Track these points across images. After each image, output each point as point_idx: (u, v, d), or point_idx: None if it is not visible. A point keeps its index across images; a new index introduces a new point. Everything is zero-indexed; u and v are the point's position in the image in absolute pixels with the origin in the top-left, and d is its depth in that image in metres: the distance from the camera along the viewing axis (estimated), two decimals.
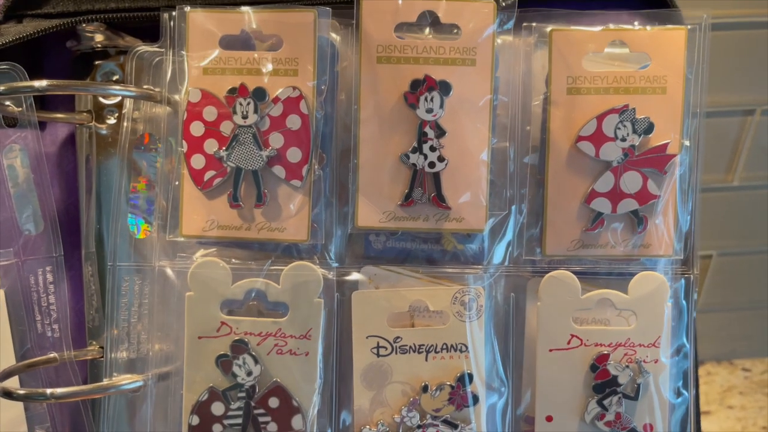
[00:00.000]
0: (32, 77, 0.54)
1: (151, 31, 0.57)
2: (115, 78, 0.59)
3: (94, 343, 0.60)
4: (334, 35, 0.56)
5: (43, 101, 0.60)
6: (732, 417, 1.02)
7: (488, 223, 0.56)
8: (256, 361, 0.54)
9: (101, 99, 0.59)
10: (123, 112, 0.57)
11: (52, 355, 0.58)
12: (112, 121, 0.59)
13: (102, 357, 0.59)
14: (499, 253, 0.57)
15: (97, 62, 0.58)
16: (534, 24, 0.55)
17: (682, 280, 0.57)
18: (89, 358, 0.60)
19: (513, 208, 0.56)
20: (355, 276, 0.57)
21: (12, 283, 0.58)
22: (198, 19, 0.55)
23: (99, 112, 0.60)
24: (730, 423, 1.01)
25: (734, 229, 1.03)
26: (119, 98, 0.59)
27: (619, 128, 0.54)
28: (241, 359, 0.54)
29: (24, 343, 0.58)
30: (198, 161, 0.55)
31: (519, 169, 0.56)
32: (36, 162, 0.58)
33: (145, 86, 0.57)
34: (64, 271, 0.59)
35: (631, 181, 0.55)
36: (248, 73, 0.55)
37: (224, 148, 0.54)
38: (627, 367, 0.55)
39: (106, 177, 0.59)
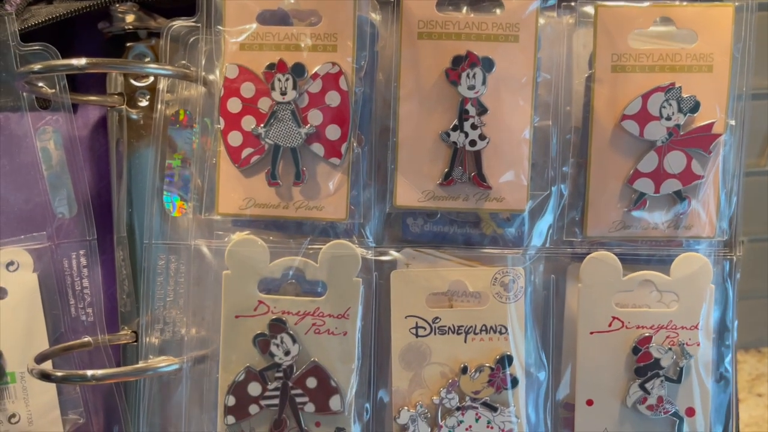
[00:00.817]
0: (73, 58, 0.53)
1: (183, 13, 0.56)
2: (146, 60, 0.59)
3: (126, 328, 0.59)
4: (373, 15, 0.54)
5: (75, 84, 0.60)
6: (761, 405, 1.01)
7: (528, 203, 0.55)
8: (294, 341, 0.53)
9: (133, 81, 0.59)
10: (158, 88, 0.57)
11: (86, 339, 0.58)
12: (143, 103, 0.59)
13: (135, 342, 0.59)
14: (539, 234, 0.56)
15: (128, 44, 0.58)
16: (573, 2, 0.54)
17: (726, 263, 0.56)
18: (123, 342, 0.59)
19: (554, 188, 0.55)
20: (393, 256, 0.56)
21: (46, 267, 0.58)
22: None
23: (130, 95, 0.59)
24: (760, 411, 1.00)
25: (765, 214, 1.01)
26: (151, 81, 0.59)
27: (664, 107, 0.53)
28: (278, 338, 0.53)
29: (58, 327, 0.58)
30: (235, 138, 0.54)
31: (561, 148, 0.55)
32: (69, 144, 0.58)
33: (178, 63, 0.56)
34: (98, 255, 0.59)
35: (675, 161, 0.54)
36: (286, 49, 0.54)
37: (262, 125, 0.53)
38: (670, 349, 0.54)
39: (137, 161, 0.59)
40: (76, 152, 0.58)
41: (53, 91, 0.56)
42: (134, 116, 0.59)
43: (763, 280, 1.06)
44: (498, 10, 0.53)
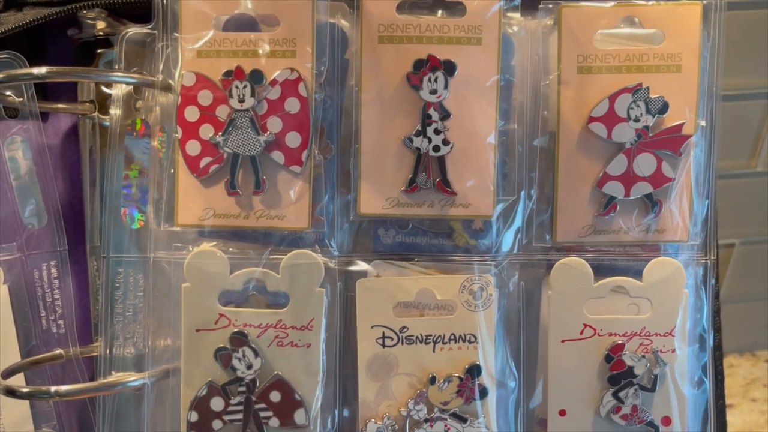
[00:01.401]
0: (34, 67, 0.52)
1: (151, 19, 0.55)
2: (118, 67, 0.57)
3: (100, 339, 0.58)
4: (343, 21, 0.53)
5: (45, 92, 0.59)
6: (756, 410, 0.99)
7: (496, 209, 0.53)
8: (257, 354, 0.52)
9: (104, 89, 0.58)
10: (113, 97, 0.55)
11: (57, 351, 0.57)
12: (115, 110, 0.58)
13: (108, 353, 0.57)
14: (507, 240, 0.55)
15: (99, 50, 0.57)
16: (551, 5, 0.53)
17: (700, 267, 0.54)
18: (95, 354, 0.57)
19: (522, 193, 0.54)
20: (361, 266, 0.54)
21: (16, 279, 0.56)
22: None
23: (102, 102, 0.58)
24: (754, 416, 0.98)
25: (758, 216, 1.00)
26: (123, 87, 0.57)
27: (632, 108, 0.52)
28: (240, 352, 0.52)
29: (29, 339, 0.57)
30: (193, 147, 0.53)
31: (528, 152, 0.54)
32: (38, 154, 0.57)
33: (134, 71, 0.55)
34: (69, 265, 0.58)
35: (645, 164, 0.53)
36: (244, 56, 0.53)
37: (220, 133, 0.52)
38: (643, 357, 0.53)
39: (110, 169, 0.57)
40: (45, 162, 0.57)
41: (21, 99, 0.55)
42: (107, 123, 0.57)
43: (757, 283, 1.05)
44: (461, 10, 0.52)
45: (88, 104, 0.58)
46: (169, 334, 0.54)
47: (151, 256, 0.54)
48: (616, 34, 0.53)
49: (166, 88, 0.54)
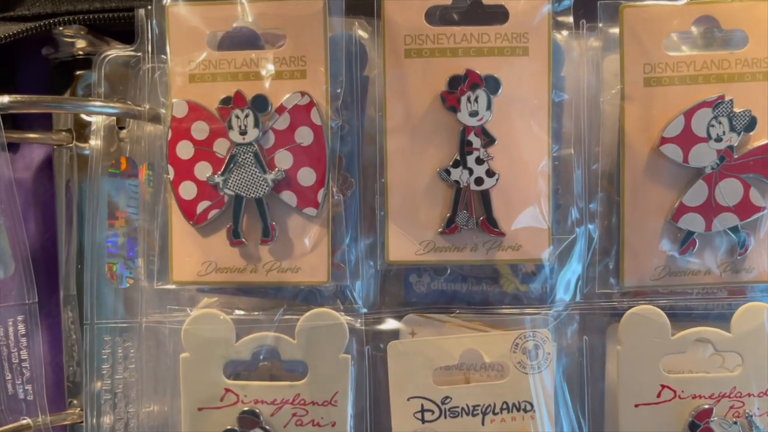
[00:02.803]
0: (4, 91, 0.46)
1: None
2: (99, 90, 0.50)
3: (75, 402, 0.51)
4: (361, 32, 0.45)
5: (15, 119, 0.53)
6: None
7: (550, 250, 0.45)
8: None
9: (83, 116, 0.51)
10: (92, 129, 0.47)
11: (24, 421, 0.50)
12: (96, 141, 0.50)
13: (83, 422, 0.50)
14: (565, 287, 0.46)
15: (78, 72, 0.51)
16: (600, 25, 0.44)
17: None
18: (68, 423, 0.51)
19: (580, 230, 0.45)
20: (391, 324, 0.46)
21: None
22: (180, 14, 0.45)
23: (80, 131, 0.51)
24: None
25: None
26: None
27: (712, 125, 0.43)
28: None
29: None
30: (188, 190, 0.45)
31: (587, 181, 0.45)
32: (5, 191, 0.50)
33: (117, 99, 0.47)
34: (39, 319, 0.51)
35: (729, 191, 0.44)
36: (245, 78, 0.44)
37: (219, 172, 0.44)
38: (735, 423, 0.44)
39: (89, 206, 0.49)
40: (12, 200, 0.50)
41: None
42: (86, 152, 0.50)
43: None
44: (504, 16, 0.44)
45: (64, 133, 0.52)
46: (167, 414, 0.45)
47: (142, 320, 0.45)
48: (690, 36, 0.44)
49: (154, 118, 0.46)
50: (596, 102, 0.45)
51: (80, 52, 0.51)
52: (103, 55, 0.46)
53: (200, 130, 0.44)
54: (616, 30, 0.45)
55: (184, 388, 0.44)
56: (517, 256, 0.45)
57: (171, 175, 0.44)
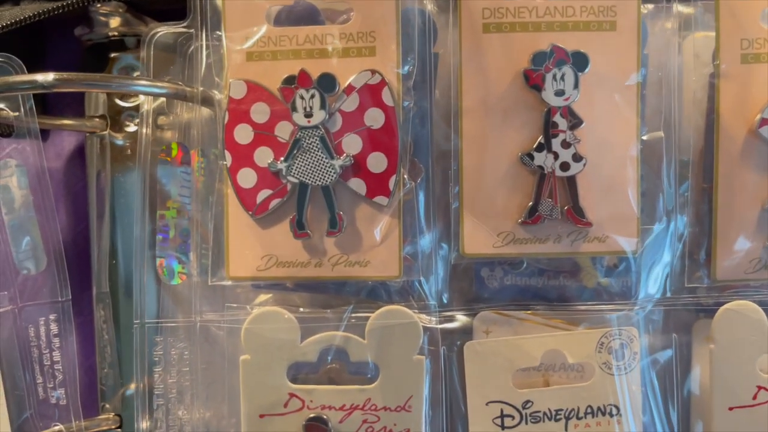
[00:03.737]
0: (32, 73, 0.43)
1: (181, 15, 0.44)
2: (136, 74, 0.48)
3: (108, 406, 0.48)
4: (429, 6, 0.42)
5: (46, 105, 0.50)
6: None
7: (638, 241, 0.41)
8: None
9: (117, 101, 0.48)
10: (143, 112, 0.44)
11: (56, 427, 0.47)
12: (131, 128, 0.47)
13: (119, 428, 0.47)
14: (653, 281, 0.42)
15: (113, 54, 0.48)
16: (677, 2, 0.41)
17: None
18: (103, 429, 0.48)
19: (671, 220, 0.42)
20: (461, 320, 0.42)
21: (7, 336, 0.47)
22: None
23: (115, 118, 0.48)
24: None
25: None
26: (141, 99, 0.48)
27: None
28: None
29: (22, 410, 0.47)
30: (247, 178, 0.41)
31: (678, 167, 0.42)
32: (37, 181, 0.47)
33: (168, 80, 0.43)
34: (72, 318, 0.48)
35: None
36: (309, 56, 0.41)
37: (282, 158, 0.40)
38: None
39: (123, 198, 0.48)
40: (45, 191, 0.47)
41: (17, 114, 0.46)
42: (119, 142, 0.47)
43: None
44: None
45: (98, 120, 0.49)
46: (226, 421, 0.41)
47: (197, 319, 0.42)
48: None
49: (207, 100, 0.43)
50: (686, 80, 0.42)
51: (115, 33, 0.47)
52: (152, 32, 0.43)
53: (260, 112, 0.41)
54: (691, 9, 0.42)
55: (244, 393, 0.40)
56: (603, 248, 0.41)
57: (228, 162, 0.41)
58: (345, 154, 0.40)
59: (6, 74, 0.44)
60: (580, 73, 0.40)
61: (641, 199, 0.42)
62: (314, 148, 0.40)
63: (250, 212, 0.41)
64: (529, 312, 0.43)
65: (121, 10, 0.47)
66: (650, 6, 0.42)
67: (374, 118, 0.40)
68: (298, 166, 0.40)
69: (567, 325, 0.43)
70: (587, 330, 0.42)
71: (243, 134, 0.41)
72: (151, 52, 0.43)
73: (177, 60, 0.45)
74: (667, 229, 0.42)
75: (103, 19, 0.47)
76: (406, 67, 0.41)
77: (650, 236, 0.42)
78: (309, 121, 0.40)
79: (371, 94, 0.40)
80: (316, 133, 0.40)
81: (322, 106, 0.40)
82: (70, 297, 0.48)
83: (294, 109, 0.40)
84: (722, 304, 0.42)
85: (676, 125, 0.42)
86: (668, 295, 0.42)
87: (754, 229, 0.42)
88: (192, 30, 0.43)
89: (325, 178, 0.40)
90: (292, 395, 0.41)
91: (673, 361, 0.43)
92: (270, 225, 0.41)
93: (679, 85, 0.42)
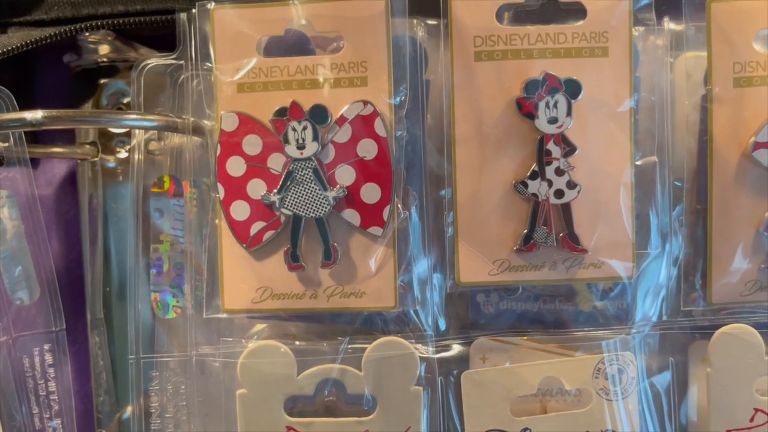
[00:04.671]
0: (20, 101, 0.44)
1: (172, 41, 0.44)
2: (126, 100, 0.48)
3: None
4: (420, 33, 0.41)
5: (35, 132, 0.49)
6: None
7: (634, 267, 0.41)
8: None
9: (109, 128, 0.47)
10: (133, 144, 0.43)
11: None
12: (122, 154, 0.47)
13: None
14: (649, 305, 0.42)
15: (102, 81, 0.48)
16: (666, 21, 0.41)
17: None
18: None
19: (665, 243, 0.42)
20: (456, 349, 0.42)
21: (1, 367, 0.47)
22: (227, 17, 0.41)
23: (106, 144, 0.48)
24: None
25: None
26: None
27: None
28: None
29: None
30: (240, 210, 0.41)
31: (671, 192, 0.42)
32: (28, 210, 0.47)
33: (159, 111, 0.43)
34: (66, 347, 0.47)
35: None
36: (300, 87, 0.41)
37: (275, 190, 0.40)
38: None
39: (115, 223, 0.47)
40: (36, 220, 0.47)
41: (6, 144, 0.46)
42: (111, 164, 0.46)
43: None
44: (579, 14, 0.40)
45: (88, 146, 0.48)
46: None
47: (192, 353, 0.41)
48: None
49: (198, 131, 0.42)
50: (679, 103, 0.42)
51: (104, 60, 0.47)
52: (143, 64, 0.42)
53: (253, 144, 0.40)
54: (682, 27, 0.42)
55: (241, 427, 0.40)
56: (599, 274, 0.41)
57: (221, 195, 0.41)
58: (338, 186, 0.40)
59: None
60: (573, 101, 0.40)
61: (639, 224, 0.42)
62: (307, 179, 0.40)
63: (244, 245, 0.41)
64: (525, 338, 0.43)
65: (110, 38, 0.46)
66: (641, 28, 0.42)
67: (367, 149, 0.40)
68: (292, 198, 0.40)
69: (564, 350, 0.42)
70: (583, 356, 0.42)
71: (235, 166, 0.41)
72: (142, 83, 0.43)
73: (167, 87, 0.44)
74: (662, 253, 0.42)
75: (91, 46, 0.47)
76: (398, 97, 0.40)
77: (645, 260, 0.42)
78: (302, 153, 0.40)
79: (364, 124, 0.40)
80: (309, 165, 0.40)
81: (315, 138, 0.40)
82: (65, 326, 0.47)
83: (286, 141, 0.40)
84: (718, 325, 0.42)
85: (669, 148, 0.42)
86: (665, 318, 0.42)
87: (749, 252, 0.42)
88: (181, 61, 0.42)
89: (319, 210, 0.40)
90: (289, 428, 0.40)
91: (670, 384, 0.43)
92: (264, 257, 0.41)
93: (671, 108, 0.42)
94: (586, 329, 0.42)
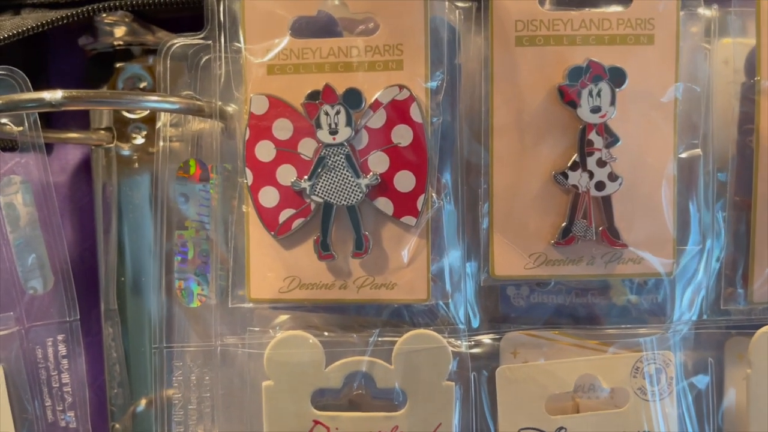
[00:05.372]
0: (35, 86, 0.42)
1: (190, 24, 0.43)
2: (142, 85, 0.46)
3: (118, 426, 0.47)
4: (450, 16, 0.40)
5: (50, 116, 0.49)
6: None
7: (674, 263, 0.40)
8: None
9: (124, 113, 0.46)
10: (158, 126, 0.42)
11: None
12: (139, 140, 0.45)
13: None
14: (688, 302, 0.41)
15: (118, 64, 0.46)
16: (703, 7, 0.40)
17: None
18: None
19: (706, 240, 0.41)
20: (486, 343, 0.41)
21: (13, 358, 0.45)
22: None
23: (122, 130, 0.46)
24: None
25: None
26: (147, 111, 0.46)
27: None
28: None
29: None
30: (269, 197, 0.39)
31: (715, 186, 0.40)
32: (43, 197, 0.46)
33: (185, 94, 0.42)
34: (80, 338, 0.46)
35: None
36: (333, 70, 0.39)
37: (306, 176, 0.39)
38: None
39: (130, 212, 0.46)
40: (51, 207, 0.45)
41: (21, 129, 0.44)
42: (126, 152, 0.45)
43: None
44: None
45: (104, 132, 0.47)
46: None
47: (217, 343, 0.40)
48: None
49: (222, 115, 0.41)
50: (724, 94, 0.40)
51: (120, 43, 0.46)
52: (168, 44, 0.41)
53: (283, 128, 0.39)
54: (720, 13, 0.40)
55: (267, 420, 0.39)
56: (638, 270, 0.40)
57: (249, 180, 0.39)
58: (371, 173, 0.39)
59: (8, 88, 0.43)
60: (617, 89, 0.38)
61: (680, 219, 0.40)
62: (339, 166, 0.39)
63: (272, 232, 0.39)
64: (557, 332, 0.41)
65: (127, 20, 0.45)
66: (681, 13, 0.40)
67: (402, 135, 0.39)
68: (323, 185, 0.39)
69: (599, 346, 0.41)
70: (622, 354, 0.40)
71: (265, 151, 0.39)
72: (167, 65, 0.41)
73: (185, 70, 0.43)
74: (703, 250, 0.41)
75: (108, 28, 0.45)
76: (435, 82, 0.39)
77: (685, 256, 0.41)
78: (334, 139, 0.38)
79: (399, 110, 0.38)
80: (342, 151, 0.39)
81: (348, 123, 0.38)
82: (78, 317, 0.46)
83: (318, 125, 0.38)
84: (757, 324, 0.40)
85: (711, 140, 0.40)
86: (704, 317, 0.41)
87: None
88: (209, 41, 0.41)
89: (351, 198, 0.39)
90: (316, 422, 0.39)
91: (709, 385, 0.42)
92: (293, 245, 0.40)
93: (710, 97, 0.41)
94: (621, 326, 0.41)
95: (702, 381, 0.42)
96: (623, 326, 0.41)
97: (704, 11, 0.40)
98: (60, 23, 0.44)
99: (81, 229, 0.49)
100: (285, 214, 0.39)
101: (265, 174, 0.39)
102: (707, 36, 0.41)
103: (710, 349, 0.42)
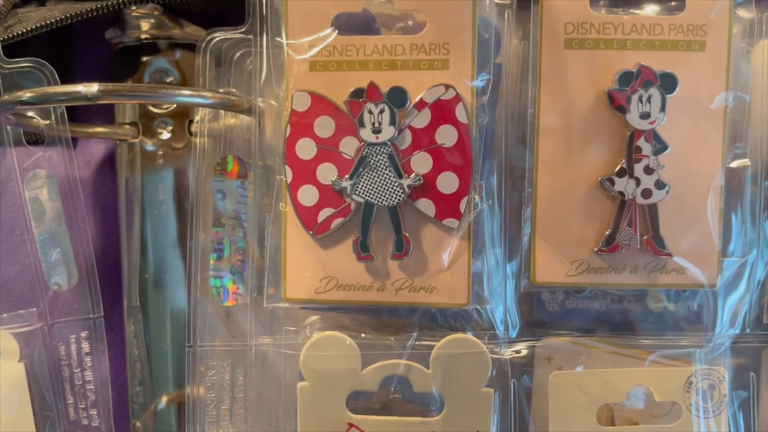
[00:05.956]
0: (60, 79, 0.42)
1: (217, 19, 0.42)
2: (169, 80, 0.46)
3: (138, 425, 0.46)
4: (491, 15, 0.39)
5: (74, 110, 0.48)
6: None
7: (719, 275, 0.39)
8: None
9: (150, 107, 0.46)
10: (196, 120, 0.41)
11: None
12: (165, 135, 0.44)
13: None
14: (730, 316, 0.40)
15: (144, 58, 0.46)
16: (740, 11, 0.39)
17: None
18: None
19: (750, 252, 0.40)
20: (522, 347, 0.40)
21: (36, 355, 0.45)
22: None
23: (147, 125, 0.46)
24: None
25: None
26: (173, 106, 0.45)
27: None
28: None
29: None
30: (308, 195, 0.39)
31: (762, 197, 0.40)
32: (68, 191, 0.45)
33: (222, 90, 0.41)
34: (104, 335, 0.45)
35: None
36: (377, 68, 0.38)
37: (347, 176, 0.38)
38: None
39: (154, 208, 0.45)
40: (76, 202, 0.45)
41: (47, 122, 0.44)
42: (150, 148, 0.45)
43: None
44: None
45: (129, 127, 0.46)
46: None
47: (252, 343, 0.39)
48: None
49: (257, 111, 0.40)
50: (757, 96, 0.40)
51: (148, 36, 0.45)
52: (209, 38, 0.40)
53: (325, 126, 0.38)
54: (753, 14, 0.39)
55: (301, 422, 0.38)
56: (681, 281, 0.39)
57: (289, 178, 0.39)
58: (414, 173, 0.38)
59: (36, 80, 0.42)
60: (667, 96, 0.37)
61: (726, 230, 0.40)
62: (382, 166, 0.38)
63: (311, 231, 0.39)
64: (594, 338, 0.41)
65: (156, 13, 0.44)
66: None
67: (446, 135, 0.38)
68: (364, 184, 0.38)
69: (640, 354, 0.40)
70: (676, 367, 0.39)
71: (305, 149, 0.39)
72: (207, 60, 0.40)
73: (212, 65, 0.42)
74: (747, 262, 0.40)
75: (136, 21, 0.45)
76: (481, 82, 0.38)
77: (729, 268, 0.40)
78: (377, 138, 0.38)
79: (444, 110, 0.38)
80: (384, 150, 0.38)
81: (392, 122, 0.38)
82: (102, 313, 0.45)
83: (361, 124, 0.38)
84: None
85: (763, 153, 0.39)
86: (747, 331, 0.40)
87: None
88: (250, 36, 0.40)
89: (393, 198, 0.38)
90: (351, 425, 0.38)
91: (750, 401, 0.41)
92: (331, 245, 0.39)
93: (763, 105, 0.40)
94: (661, 335, 0.40)
95: (741, 395, 0.41)
96: (663, 336, 0.40)
97: (745, 13, 0.40)
98: (88, 15, 0.43)
99: (104, 224, 0.49)
100: (324, 213, 0.39)
101: (305, 172, 0.39)
102: (749, 38, 0.40)
103: (745, 356, 0.41)
